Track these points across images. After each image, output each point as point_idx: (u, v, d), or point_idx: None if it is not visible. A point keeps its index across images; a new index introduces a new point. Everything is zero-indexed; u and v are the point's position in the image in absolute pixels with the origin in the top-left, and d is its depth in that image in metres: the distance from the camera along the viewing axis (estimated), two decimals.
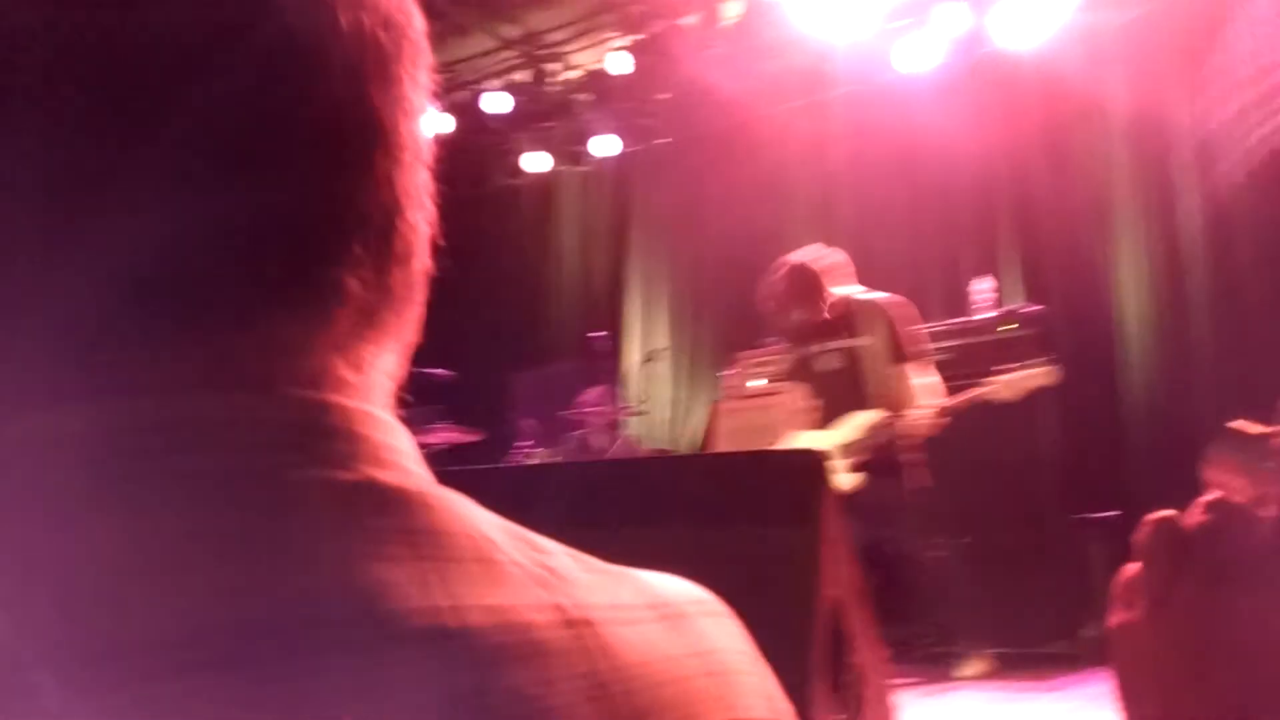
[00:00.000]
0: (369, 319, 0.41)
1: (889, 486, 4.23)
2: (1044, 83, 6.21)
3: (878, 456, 4.21)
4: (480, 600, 0.35)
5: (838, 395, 4.28)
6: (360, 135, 0.40)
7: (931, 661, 4.62)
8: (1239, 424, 0.46)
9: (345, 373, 0.40)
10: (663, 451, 7.03)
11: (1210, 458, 0.46)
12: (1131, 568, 0.46)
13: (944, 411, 4.16)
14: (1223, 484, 0.45)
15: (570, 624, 0.37)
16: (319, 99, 0.38)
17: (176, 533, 0.33)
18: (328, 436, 0.37)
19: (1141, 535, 0.45)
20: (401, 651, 0.33)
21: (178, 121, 0.35)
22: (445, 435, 6.13)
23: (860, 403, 4.27)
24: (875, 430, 4.21)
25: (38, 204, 0.35)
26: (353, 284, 0.40)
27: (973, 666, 4.31)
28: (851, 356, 4.30)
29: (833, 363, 4.34)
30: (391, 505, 0.36)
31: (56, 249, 0.35)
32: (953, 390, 4.29)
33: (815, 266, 4.37)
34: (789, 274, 4.37)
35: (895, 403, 4.21)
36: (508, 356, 7.94)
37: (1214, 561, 0.43)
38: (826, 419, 4.33)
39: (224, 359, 0.37)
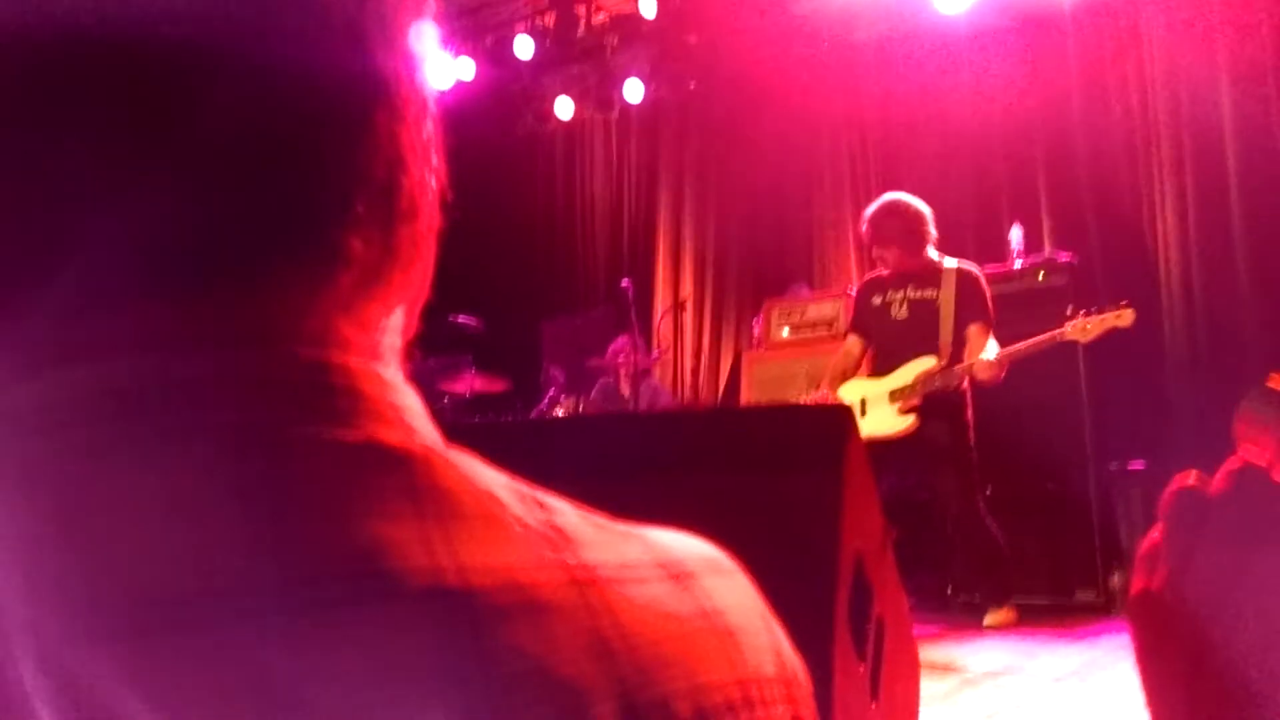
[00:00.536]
0: (375, 277, 0.40)
1: (939, 432, 4.29)
2: (1080, 22, 6.07)
3: (931, 402, 4.28)
4: (484, 560, 0.35)
5: (908, 343, 4.37)
6: (360, 92, 0.39)
7: (960, 611, 4.63)
8: (1275, 379, 0.45)
9: (350, 332, 0.39)
10: (689, 404, 7.04)
11: (1241, 413, 0.45)
12: (1153, 536, 0.45)
13: (1009, 356, 4.20)
14: (1252, 439, 0.45)
15: (575, 583, 0.36)
16: (318, 57, 0.37)
17: (180, 488, 0.33)
18: (331, 394, 0.37)
19: (1163, 502, 0.45)
20: (404, 610, 0.33)
21: (178, 91, 0.35)
22: (472, 383, 6.17)
23: (928, 353, 4.36)
24: (931, 377, 4.29)
25: (37, 169, 0.35)
26: (356, 244, 0.39)
27: (999, 615, 4.32)
28: (927, 309, 4.37)
29: (907, 312, 4.41)
30: (394, 464, 0.36)
31: (56, 212, 0.35)
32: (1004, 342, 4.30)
33: (924, 213, 4.42)
34: (900, 211, 4.42)
35: (960, 357, 4.29)
36: (536, 304, 7.96)
37: (1233, 526, 0.43)
38: (893, 365, 4.41)
39: (226, 318, 0.36)
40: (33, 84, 0.35)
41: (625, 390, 6.32)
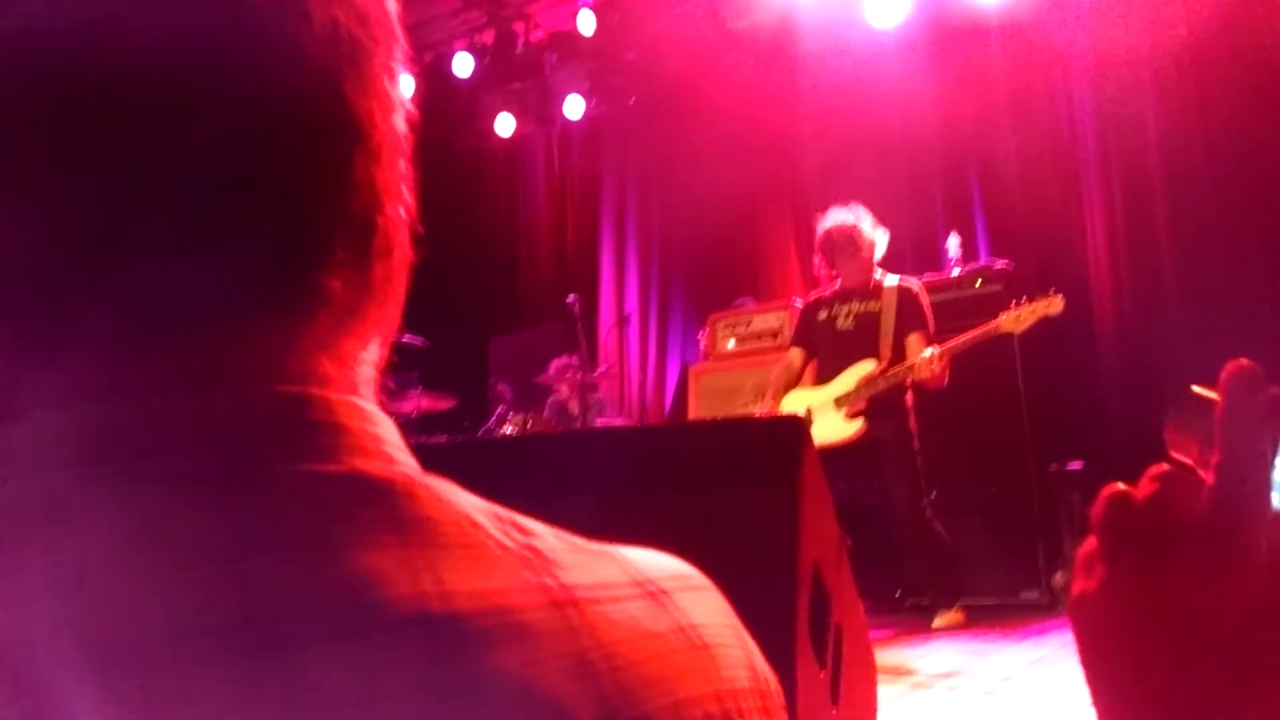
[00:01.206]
0: (351, 314, 0.41)
1: (885, 439, 4.39)
2: (1008, 36, 6.21)
3: (876, 409, 4.38)
4: (467, 585, 0.36)
5: (850, 352, 4.48)
6: (338, 136, 0.40)
7: (908, 613, 4.69)
8: (1198, 388, 0.47)
9: (328, 367, 0.40)
10: (636, 419, 7.05)
11: (1169, 421, 0.48)
12: (1089, 541, 0.47)
13: (949, 351, 4.29)
14: (1179, 446, 0.47)
15: (556, 604, 0.37)
16: (295, 103, 0.38)
17: (167, 530, 0.34)
18: (312, 430, 0.37)
19: (1095, 509, 0.47)
20: (391, 638, 0.33)
21: (148, 131, 0.35)
22: (418, 403, 6.12)
23: (868, 359, 4.47)
24: (873, 380, 4.40)
25: (15, 215, 0.35)
26: (335, 284, 0.40)
27: (948, 617, 4.39)
28: (870, 320, 4.50)
29: (852, 324, 4.53)
30: (377, 495, 0.37)
31: (30, 258, 0.35)
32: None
33: (873, 235, 4.57)
34: (850, 235, 4.55)
35: (898, 364, 4.41)
36: (481, 321, 7.92)
37: (1158, 530, 0.45)
38: (836, 374, 4.52)
39: (205, 360, 0.37)
40: (11, 128, 0.35)
41: (573, 407, 6.32)
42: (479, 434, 6.23)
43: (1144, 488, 0.46)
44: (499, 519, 0.40)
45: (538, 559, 0.39)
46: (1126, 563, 0.45)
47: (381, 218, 0.42)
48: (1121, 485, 0.47)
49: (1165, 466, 0.46)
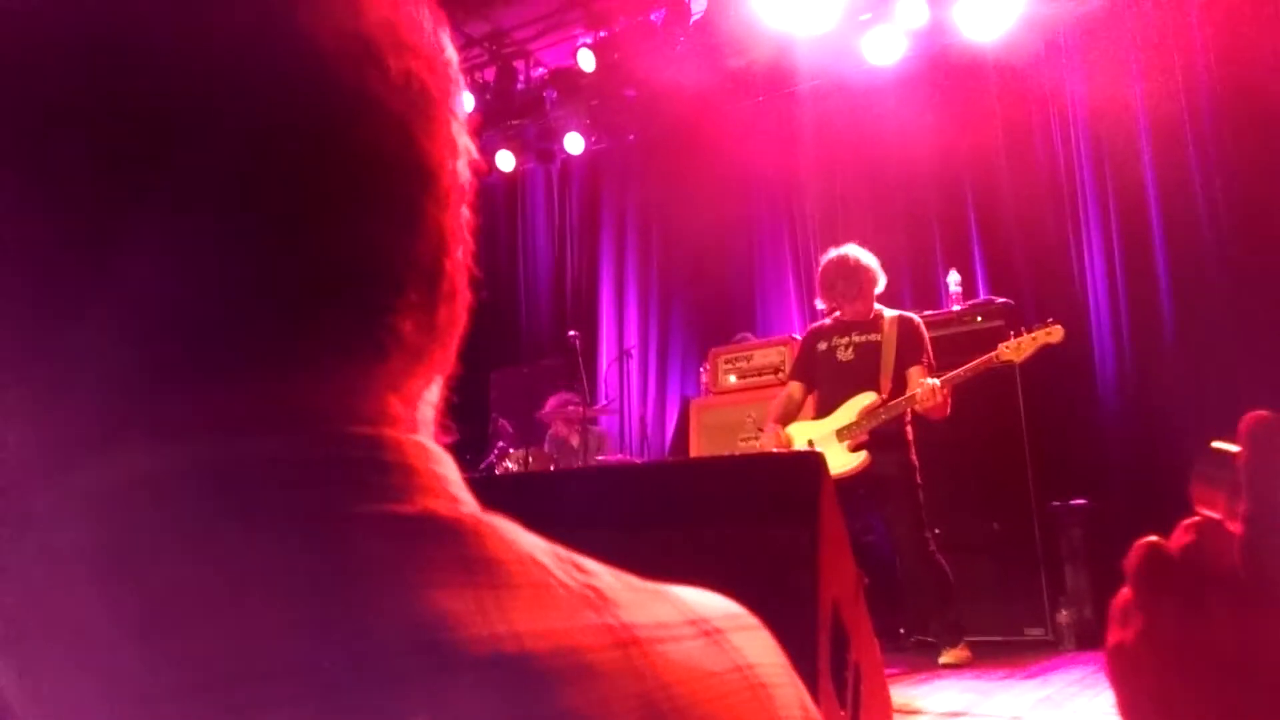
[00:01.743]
0: (419, 356, 0.42)
1: (887, 474, 4.38)
2: (1005, 74, 6.28)
3: (878, 445, 4.37)
4: (535, 625, 0.36)
5: (851, 384, 4.48)
6: (410, 183, 0.41)
7: (913, 651, 4.66)
8: (1219, 443, 0.47)
9: (397, 408, 0.41)
10: (637, 454, 7.04)
11: (1194, 477, 0.48)
12: (1124, 591, 0.48)
13: (950, 382, 4.29)
14: (1206, 501, 0.47)
15: (619, 645, 0.38)
16: (371, 151, 0.39)
17: (249, 571, 0.34)
18: (386, 471, 0.38)
19: (1129, 560, 0.47)
20: (465, 679, 0.33)
21: (235, 181, 0.36)
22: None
23: (869, 390, 4.47)
24: (875, 411, 4.40)
25: (84, 247, 0.35)
26: (407, 326, 0.41)
27: (953, 655, 4.36)
28: (871, 351, 4.51)
29: (852, 354, 4.54)
30: (448, 535, 0.37)
31: (99, 291, 0.35)
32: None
33: (874, 271, 4.60)
34: (853, 269, 4.58)
35: (898, 396, 4.41)
36: (481, 355, 7.93)
37: (1194, 581, 0.46)
38: (836, 403, 4.52)
39: (285, 400, 0.37)
40: (103, 158, 0.35)
41: (574, 441, 6.31)
42: (480, 468, 6.22)
43: (1177, 539, 0.47)
44: (559, 558, 0.40)
45: (599, 598, 0.39)
46: (1165, 613, 0.46)
47: (448, 261, 0.43)
48: (1155, 537, 0.48)
49: (1198, 516, 0.47)
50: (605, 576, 0.41)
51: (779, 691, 0.43)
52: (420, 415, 0.43)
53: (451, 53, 0.44)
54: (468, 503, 0.40)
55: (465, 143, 0.44)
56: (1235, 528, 0.44)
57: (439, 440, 0.42)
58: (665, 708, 0.37)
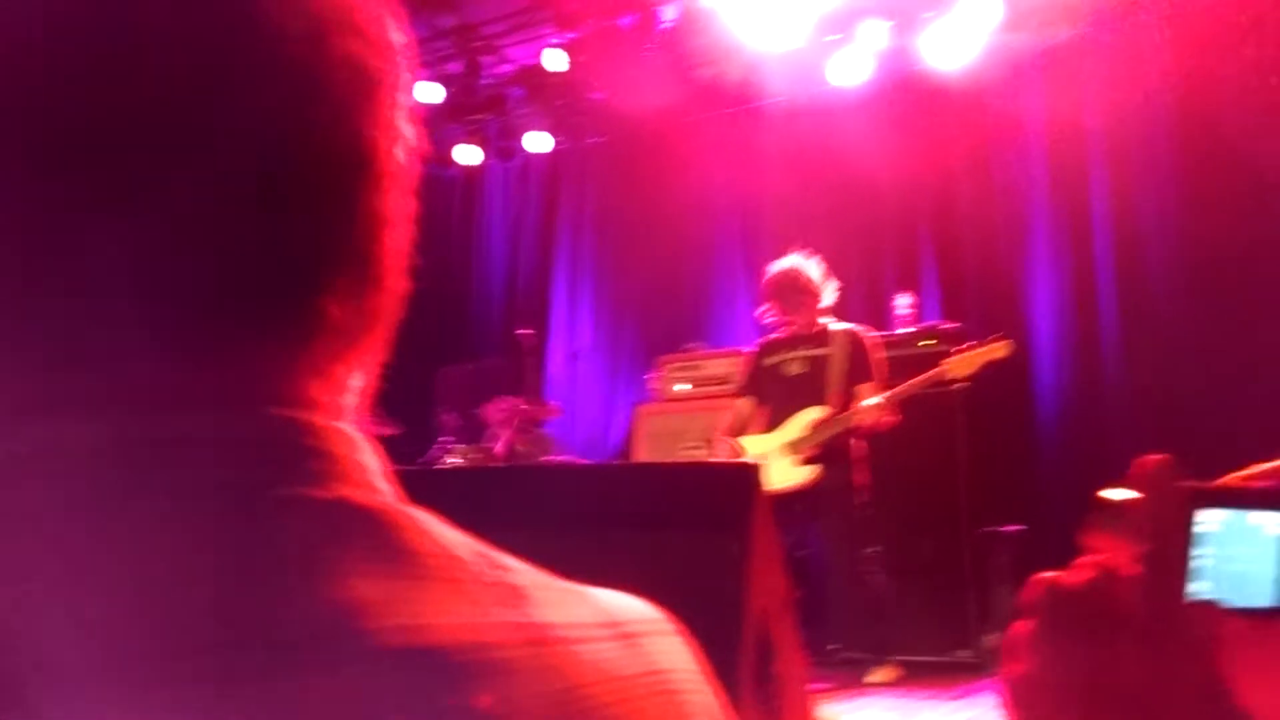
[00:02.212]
0: (346, 341, 0.41)
1: (829, 488, 4.40)
2: (967, 103, 6.36)
3: (825, 453, 4.39)
4: (447, 619, 0.36)
5: (799, 399, 4.49)
6: (347, 165, 0.40)
7: (841, 667, 4.70)
8: (1107, 493, 0.48)
9: (319, 393, 0.40)
10: (581, 457, 7.02)
11: (1086, 526, 0.50)
12: (1021, 624, 0.49)
13: (896, 396, 4.29)
14: (1099, 549, 0.49)
15: (532, 643, 0.37)
16: (308, 131, 0.38)
17: (155, 548, 0.33)
18: (303, 455, 0.38)
19: (1028, 594, 0.48)
20: (374, 670, 0.33)
21: (157, 155, 0.36)
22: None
23: (816, 405, 4.49)
24: (823, 425, 4.41)
25: (25, 224, 0.35)
26: (334, 310, 0.40)
27: (881, 673, 4.40)
28: (819, 366, 4.52)
29: (800, 368, 4.55)
30: (363, 523, 0.37)
31: (44, 267, 0.35)
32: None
33: (819, 282, 4.60)
34: (795, 277, 4.58)
35: (848, 409, 4.43)
36: (428, 349, 7.86)
37: (1095, 618, 0.46)
38: (784, 418, 4.52)
39: (202, 378, 0.37)
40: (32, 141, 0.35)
41: (517, 441, 6.28)
42: (422, 463, 6.16)
43: (1077, 575, 0.48)
44: (478, 553, 0.40)
45: (514, 595, 0.39)
46: (1067, 647, 0.47)
47: (382, 248, 0.42)
48: (1052, 573, 0.49)
49: (1096, 556, 0.48)
50: (524, 574, 0.41)
51: (692, 698, 0.43)
52: (345, 402, 0.42)
53: (401, 39, 0.43)
54: (387, 492, 0.39)
55: (409, 129, 0.43)
56: (1134, 569, 0.46)
57: (372, 430, 0.42)
58: (574, 709, 0.37)
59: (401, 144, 0.43)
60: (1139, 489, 0.46)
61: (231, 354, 0.38)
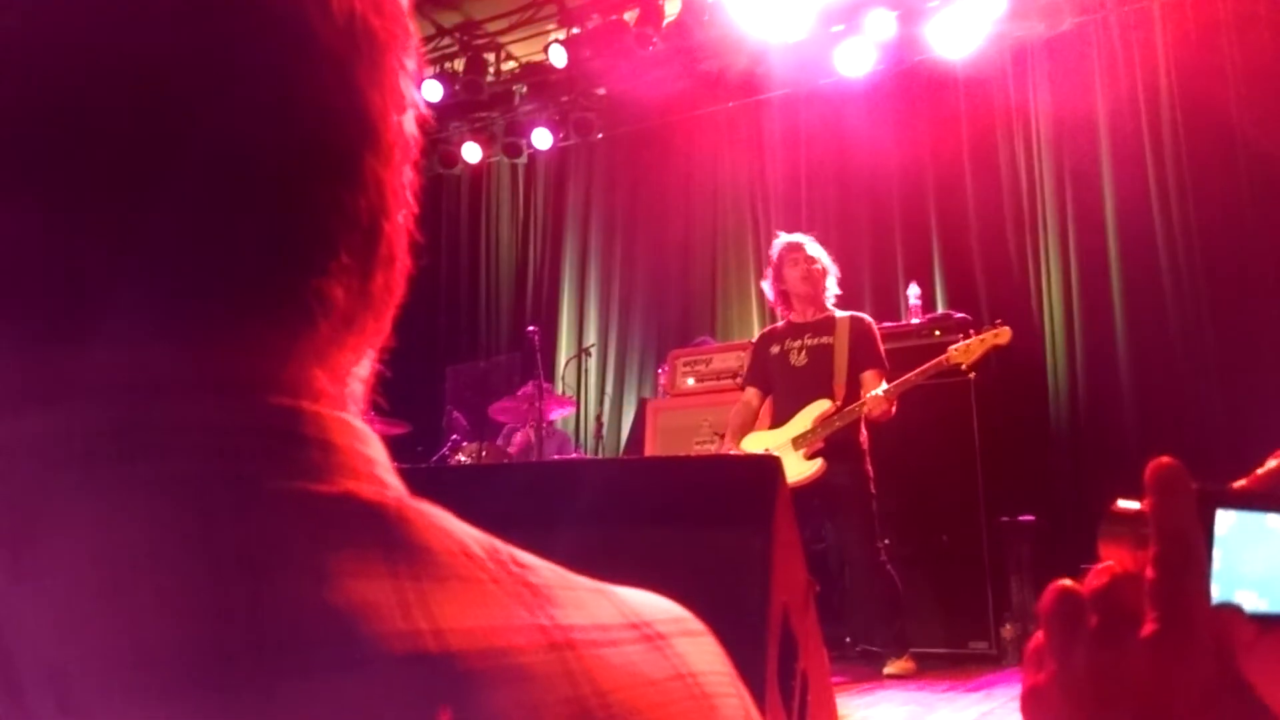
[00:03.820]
0: (349, 325, 0.39)
1: (841, 482, 4.37)
2: (972, 91, 6.34)
3: (833, 452, 4.36)
4: (461, 622, 0.33)
5: (806, 389, 4.46)
6: (349, 134, 0.37)
7: (858, 660, 4.68)
8: (1122, 503, 0.48)
9: (322, 381, 0.38)
10: (593, 452, 7.02)
11: (1099, 536, 0.50)
12: (1038, 635, 0.48)
13: (900, 386, 4.29)
14: (1113, 557, 0.47)
15: (554, 646, 0.35)
16: (305, 95, 0.35)
17: (147, 545, 0.31)
18: (304, 446, 0.35)
19: (1042, 603, 0.47)
20: (383, 677, 0.31)
21: (152, 123, 0.33)
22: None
23: (823, 397, 4.46)
24: (829, 418, 4.37)
25: (17, 204, 0.32)
26: (337, 292, 0.37)
27: (898, 666, 4.38)
28: (824, 354, 4.48)
29: (806, 358, 4.52)
30: (369, 520, 0.34)
31: (35, 250, 0.32)
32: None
33: (821, 257, 4.57)
34: (796, 248, 4.56)
35: (856, 400, 4.40)
36: (438, 347, 7.87)
37: (1107, 625, 0.45)
38: (793, 411, 4.49)
39: (200, 362, 0.34)
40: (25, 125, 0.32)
41: (527, 438, 6.27)
42: (432, 461, 6.16)
43: (1090, 583, 0.47)
44: (493, 551, 0.37)
45: (534, 596, 0.36)
46: (1079, 657, 0.45)
47: (388, 223, 0.39)
48: (1067, 581, 0.48)
49: (1109, 563, 0.47)
50: (543, 572, 0.38)
51: (724, 702, 0.41)
52: (349, 391, 0.39)
53: (405, 2, 0.40)
54: (394, 487, 0.37)
55: (414, 96, 0.41)
56: (1147, 573, 0.45)
57: (378, 424, 0.40)
58: (600, 716, 0.35)
59: (409, 113, 0.40)
60: (1151, 493, 0.46)
61: (227, 338, 0.35)
